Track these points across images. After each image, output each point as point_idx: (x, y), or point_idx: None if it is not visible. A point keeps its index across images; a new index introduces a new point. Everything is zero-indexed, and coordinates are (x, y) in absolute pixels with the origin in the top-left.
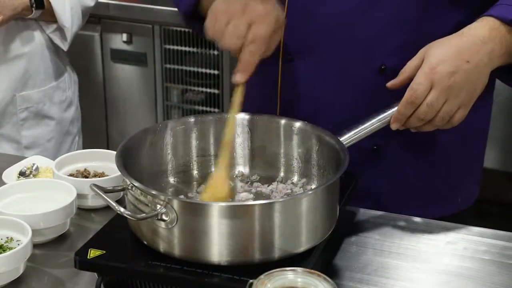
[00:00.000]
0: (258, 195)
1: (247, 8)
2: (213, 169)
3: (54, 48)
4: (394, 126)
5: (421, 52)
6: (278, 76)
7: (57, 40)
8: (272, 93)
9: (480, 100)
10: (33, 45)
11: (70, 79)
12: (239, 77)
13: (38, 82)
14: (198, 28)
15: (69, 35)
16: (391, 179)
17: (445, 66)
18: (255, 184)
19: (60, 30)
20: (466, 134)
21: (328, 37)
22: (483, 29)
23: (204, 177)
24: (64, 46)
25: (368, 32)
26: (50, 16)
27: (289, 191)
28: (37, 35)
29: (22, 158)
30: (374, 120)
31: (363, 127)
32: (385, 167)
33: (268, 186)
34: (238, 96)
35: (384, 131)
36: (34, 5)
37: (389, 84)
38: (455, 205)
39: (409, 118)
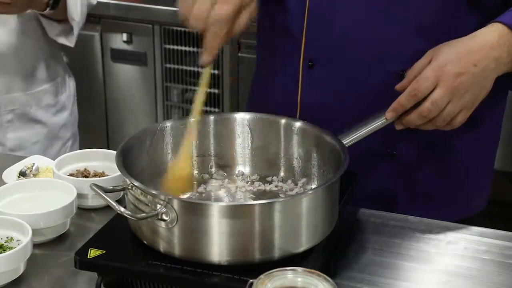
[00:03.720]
0: (258, 195)
1: None
2: (213, 169)
3: (49, 52)
4: (389, 116)
5: (429, 52)
6: (299, 81)
7: (62, 40)
8: (292, 97)
9: (494, 104)
10: (25, 48)
11: (64, 84)
12: (203, 59)
13: (26, 84)
14: None
15: (77, 30)
16: (406, 183)
17: (453, 66)
18: (256, 183)
19: (64, 31)
20: (480, 138)
21: (348, 44)
22: (492, 35)
23: (204, 177)
24: (71, 43)
25: (388, 39)
26: (58, 14)
27: (289, 192)
28: (32, 39)
29: (22, 158)
30: (374, 120)
31: (363, 127)
32: (400, 172)
33: (268, 185)
34: (205, 77)
35: (398, 136)
36: (51, 5)
37: (398, 86)
38: (469, 210)
39: (409, 113)
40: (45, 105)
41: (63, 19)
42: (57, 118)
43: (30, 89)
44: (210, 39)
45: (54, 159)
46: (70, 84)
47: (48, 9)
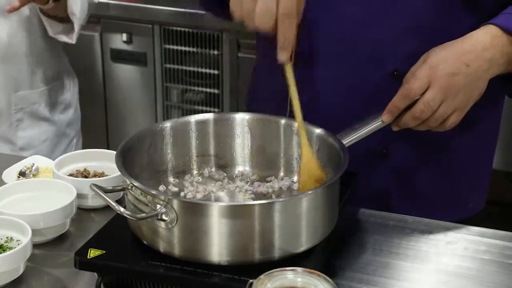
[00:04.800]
0: (258, 195)
1: None
2: (213, 169)
3: (53, 50)
4: (385, 118)
5: (423, 56)
6: None
7: (63, 38)
8: (283, 95)
9: (492, 105)
10: (31, 46)
11: (69, 82)
12: (283, 55)
13: (35, 83)
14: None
15: (77, 26)
16: (401, 184)
17: (445, 66)
18: (256, 183)
19: (65, 30)
20: (477, 139)
21: (340, 42)
22: (485, 36)
23: (204, 177)
24: (72, 40)
25: (381, 39)
26: (59, 10)
27: (289, 185)
28: (37, 36)
29: (22, 158)
30: (374, 120)
31: (363, 127)
32: (395, 172)
33: (268, 183)
34: (290, 75)
35: (394, 135)
36: None
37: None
38: (466, 211)
39: (403, 115)
40: (52, 103)
41: (64, 16)
42: (64, 116)
43: (38, 87)
44: (285, 33)
45: (64, 155)
46: (74, 82)
47: (50, 1)
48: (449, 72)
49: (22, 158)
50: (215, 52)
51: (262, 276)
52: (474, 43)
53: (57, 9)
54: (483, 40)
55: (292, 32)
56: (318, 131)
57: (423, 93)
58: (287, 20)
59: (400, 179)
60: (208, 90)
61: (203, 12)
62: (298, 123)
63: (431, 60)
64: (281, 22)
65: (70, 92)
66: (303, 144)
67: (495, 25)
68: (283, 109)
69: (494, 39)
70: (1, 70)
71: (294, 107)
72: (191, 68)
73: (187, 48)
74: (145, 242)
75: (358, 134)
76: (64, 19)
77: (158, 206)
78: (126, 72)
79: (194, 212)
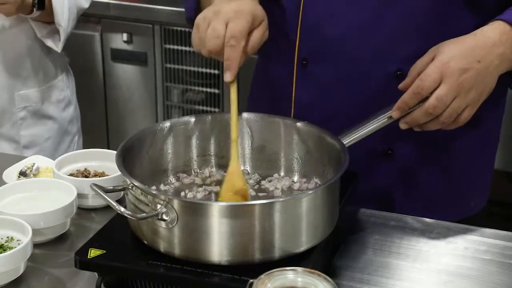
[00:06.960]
0: (258, 193)
1: (220, 10)
2: (213, 169)
3: (52, 48)
4: (395, 114)
5: (431, 50)
6: (293, 80)
7: (50, 43)
8: (287, 96)
9: (494, 104)
10: (31, 44)
11: (68, 79)
12: (227, 76)
13: (36, 81)
14: None
15: (63, 36)
16: (404, 183)
17: (457, 62)
18: (256, 183)
19: (53, 33)
20: (479, 138)
21: (343, 43)
22: (494, 32)
23: (204, 176)
24: (58, 48)
25: (383, 39)
26: (46, 16)
27: (289, 185)
28: (35, 34)
29: (22, 158)
30: (374, 120)
31: (363, 127)
32: (398, 172)
33: (268, 183)
34: (233, 94)
35: (398, 135)
36: (36, 6)
37: (401, 85)
38: (467, 210)
39: (414, 111)
40: (54, 101)
41: (51, 21)
42: (65, 113)
43: (41, 85)
44: (230, 54)
45: (64, 154)
46: (71, 79)
47: (34, 10)
48: (461, 67)
49: (23, 157)
50: None
51: (262, 276)
52: (484, 39)
53: (43, 17)
54: (493, 36)
55: (236, 54)
56: (318, 131)
57: (434, 90)
58: (232, 41)
59: (403, 179)
60: (208, 90)
61: None
62: (233, 138)
63: (442, 56)
64: (227, 44)
65: (70, 89)
66: (233, 159)
67: (503, 21)
68: (278, 109)
69: (503, 35)
70: (3, 70)
71: (232, 125)
72: (191, 68)
73: (187, 48)
74: (145, 242)
75: (359, 134)
76: (52, 21)
77: (159, 206)
78: (126, 72)
79: (194, 212)
